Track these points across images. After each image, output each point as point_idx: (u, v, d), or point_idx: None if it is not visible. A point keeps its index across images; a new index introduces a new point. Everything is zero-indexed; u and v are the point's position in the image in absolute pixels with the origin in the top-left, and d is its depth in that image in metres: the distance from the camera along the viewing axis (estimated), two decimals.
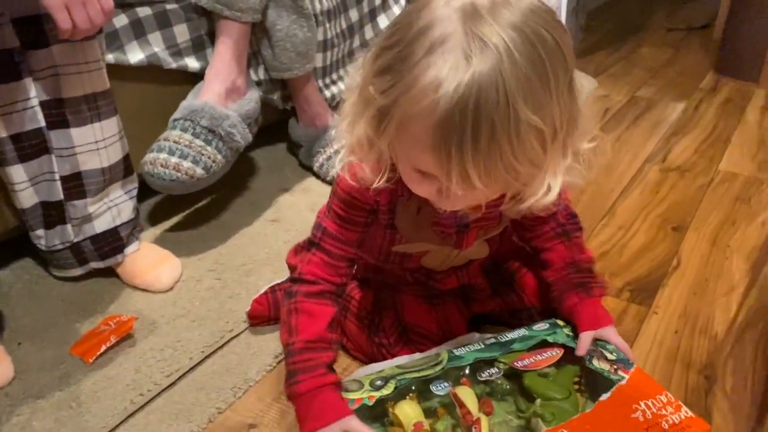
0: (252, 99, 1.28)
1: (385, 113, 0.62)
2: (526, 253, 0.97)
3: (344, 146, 0.70)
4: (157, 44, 1.19)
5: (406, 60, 0.59)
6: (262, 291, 1.00)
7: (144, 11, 1.16)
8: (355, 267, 1.00)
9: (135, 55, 1.15)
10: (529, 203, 0.65)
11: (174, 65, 1.22)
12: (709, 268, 1.14)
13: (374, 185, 0.71)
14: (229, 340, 0.97)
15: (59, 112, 0.96)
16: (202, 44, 1.26)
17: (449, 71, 0.56)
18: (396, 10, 1.67)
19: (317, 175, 1.43)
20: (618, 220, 1.29)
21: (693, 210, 1.32)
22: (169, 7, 1.19)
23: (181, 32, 1.22)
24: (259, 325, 0.99)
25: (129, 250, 1.10)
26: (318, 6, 1.42)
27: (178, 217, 1.28)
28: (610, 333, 0.84)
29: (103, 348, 0.93)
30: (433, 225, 0.82)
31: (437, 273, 0.92)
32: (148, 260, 1.11)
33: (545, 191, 0.64)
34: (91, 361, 0.93)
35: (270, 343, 0.97)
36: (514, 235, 0.96)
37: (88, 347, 0.94)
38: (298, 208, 1.32)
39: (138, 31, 1.15)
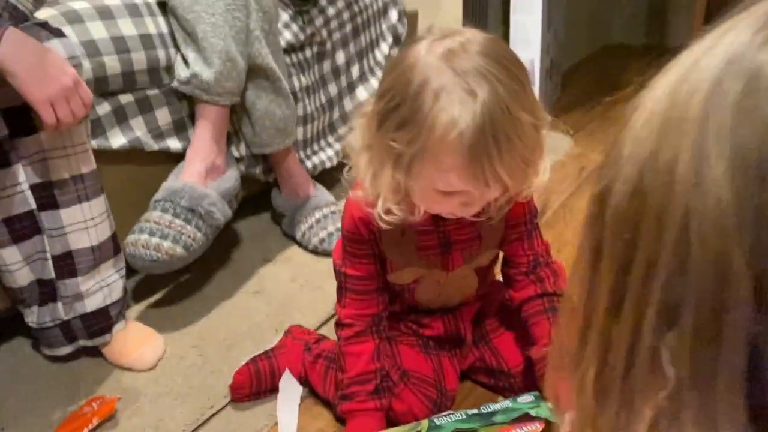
0: (231, 177, 1.32)
1: (416, 158, 0.75)
2: (508, 314, 1.02)
3: (370, 195, 0.82)
4: (139, 128, 1.24)
5: (419, 111, 0.73)
6: (243, 362, 1.02)
7: (126, 98, 1.21)
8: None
9: (117, 140, 1.20)
10: (535, 185, 0.81)
11: (156, 147, 1.27)
12: None
13: (408, 217, 0.82)
14: (209, 418, 0.99)
15: (48, 194, 1.01)
16: (183, 126, 1.31)
17: (461, 108, 0.71)
18: (374, 82, 1.74)
19: (300, 244, 1.46)
20: None
21: None
22: (150, 92, 1.24)
23: (163, 116, 1.27)
24: (241, 399, 1.01)
25: (116, 328, 1.12)
26: (297, 83, 1.49)
27: (161, 293, 1.31)
28: None
29: (86, 431, 0.95)
30: (418, 249, 0.91)
31: (426, 318, 1.00)
32: (133, 339, 1.13)
33: (542, 172, 0.81)
34: None
35: (250, 419, 0.98)
36: (505, 293, 1.01)
37: (71, 430, 0.95)
38: (281, 279, 1.35)
39: (120, 117, 1.20)
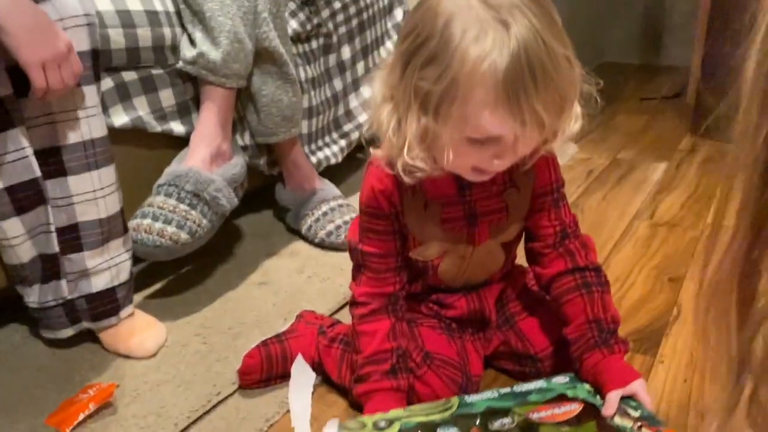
0: (237, 164, 1.26)
1: (445, 96, 0.70)
2: (531, 297, 0.96)
3: (395, 146, 0.76)
4: (142, 108, 1.18)
5: (448, 45, 0.69)
6: (253, 345, 0.95)
7: (129, 75, 1.15)
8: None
9: (120, 119, 1.14)
10: (566, 133, 0.76)
11: (159, 129, 1.21)
12: None
13: (433, 172, 0.77)
14: (216, 404, 0.91)
15: (56, 160, 0.94)
16: (187, 109, 1.26)
17: (493, 38, 0.67)
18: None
19: (305, 238, 1.40)
20: (613, 273, 1.26)
21: (687, 261, 1.31)
22: (154, 71, 1.19)
23: (167, 96, 1.22)
24: (250, 385, 0.94)
25: (124, 312, 1.05)
26: (303, 74, 1.44)
27: (160, 284, 1.24)
28: (639, 389, 0.81)
29: (81, 417, 0.87)
30: (442, 222, 0.85)
31: (448, 298, 0.93)
32: (133, 326, 1.05)
33: (574, 119, 0.76)
34: (67, 431, 0.86)
35: (260, 407, 0.91)
36: (528, 276, 0.97)
37: (65, 416, 0.88)
38: (287, 271, 1.28)
39: (123, 94, 1.15)
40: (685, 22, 2.97)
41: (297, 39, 1.44)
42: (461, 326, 0.95)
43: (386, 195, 0.84)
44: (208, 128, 1.24)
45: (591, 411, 0.79)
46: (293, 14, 1.44)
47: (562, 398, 0.81)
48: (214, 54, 1.19)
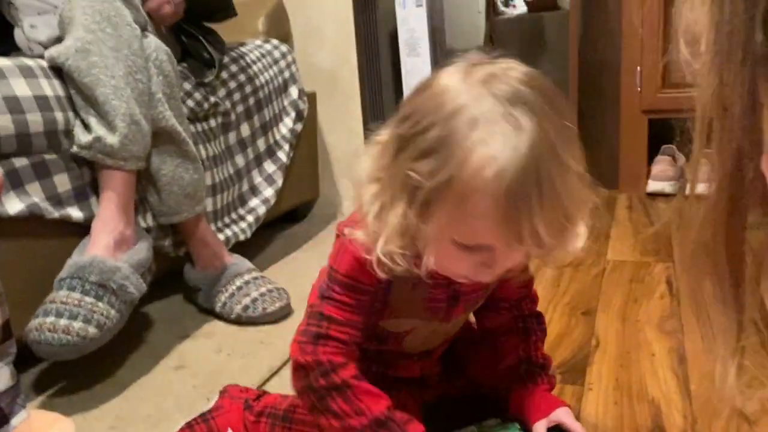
0: (143, 248, 1.22)
1: (435, 195, 0.62)
2: (473, 337, 0.96)
3: (371, 234, 0.68)
4: (36, 194, 1.12)
5: (450, 139, 0.60)
6: (177, 428, 0.89)
7: (20, 161, 1.10)
8: None
9: (14, 206, 1.07)
10: (569, 249, 0.68)
11: (56, 215, 1.15)
12: (627, 341, 1.16)
13: (412, 271, 0.68)
14: None
15: None
16: (84, 194, 1.21)
17: (503, 141, 0.59)
18: (281, 156, 1.71)
19: (220, 316, 1.35)
20: None
21: (596, 295, 1.37)
22: (47, 156, 1.14)
23: (62, 182, 1.16)
24: None
25: (16, 420, 0.95)
26: (204, 152, 1.44)
27: (65, 381, 1.14)
28: (563, 416, 0.81)
29: None
30: (425, 300, 0.80)
31: (400, 361, 0.89)
32: (30, 429, 0.96)
33: (575, 237, 0.67)
34: None
35: None
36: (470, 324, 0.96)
37: None
38: (204, 352, 1.22)
39: (15, 181, 1.09)
40: (560, 90, 3.22)
41: (195, 118, 1.44)
42: (397, 381, 0.92)
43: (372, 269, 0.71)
44: (108, 214, 1.19)
45: None
46: (189, 94, 1.44)
47: None
48: (111, 138, 1.16)
